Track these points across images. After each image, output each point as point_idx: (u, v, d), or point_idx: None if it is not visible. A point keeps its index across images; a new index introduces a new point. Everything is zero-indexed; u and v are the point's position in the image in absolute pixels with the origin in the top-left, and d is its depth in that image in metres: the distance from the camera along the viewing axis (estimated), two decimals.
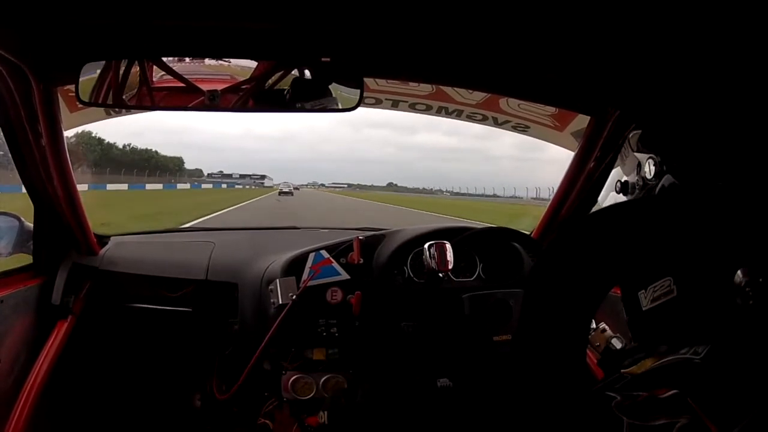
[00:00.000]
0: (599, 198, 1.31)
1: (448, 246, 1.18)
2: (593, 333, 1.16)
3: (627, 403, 0.48)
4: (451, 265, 1.19)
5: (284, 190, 36.83)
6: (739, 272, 0.47)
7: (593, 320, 1.21)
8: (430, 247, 1.20)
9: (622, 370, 0.58)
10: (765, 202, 0.49)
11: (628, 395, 0.49)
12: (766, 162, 0.55)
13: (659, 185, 0.64)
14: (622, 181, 0.73)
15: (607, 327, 1.16)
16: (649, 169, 0.65)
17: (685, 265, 0.51)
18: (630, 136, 0.79)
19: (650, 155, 0.66)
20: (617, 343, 1.13)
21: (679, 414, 0.46)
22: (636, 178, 0.69)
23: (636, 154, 0.72)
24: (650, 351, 0.57)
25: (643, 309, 0.55)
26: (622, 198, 0.74)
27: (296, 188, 44.13)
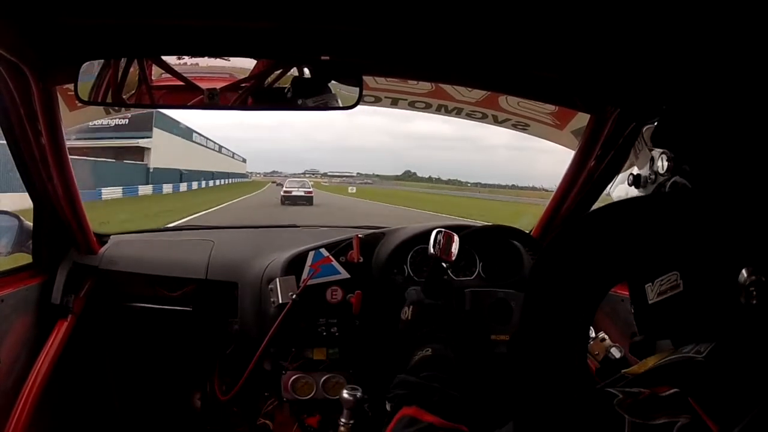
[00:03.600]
0: (610, 191, 1.31)
1: (456, 238, 1.17)
2: (593, 342, 1.15)
3: (629, 401, 0.48)
4: (455, 256, 1.18)
5: (293, 193, 19.89)
6: (743, 271, 0.47)
7: (593, 329, 1.21)
8: (438, 233, 1.19)
9: (623, 371, 0.58)
10: None
11: (630, 393, 0.49)
12: None
13: (671, 181, 0.65)
14: (635, 174, 0.74)
15: (606, 336, 1.15)
16: (662, 164, 0.66)
17: (692, 261, 0.52)
18: (644, 130, 0.80)
19: (663, 150, 0.66)
20: (616, 353, 1.13)
21: (679, 413, 0.46)
22: (648, 171, 0.70)
23: (649, 148, 0.73)
24: (652, 350, 0.57)
25: (650, 302, 0.55)
26: (633, 190, 0.74)
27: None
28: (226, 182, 45.18)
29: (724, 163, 0.57)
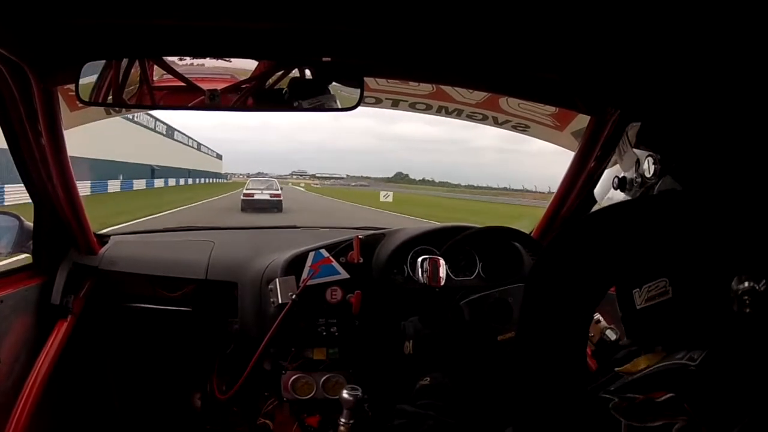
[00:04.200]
0: (595, 193, 1.31)
1: (442, 261, 1.17)
2: None
3: (624, 405, 0.48)
4: (443, 281, 1.18)
5: (256, 197, 15.86)
6: (736, 279, 0.47)
7: None
8: (423, 261, 1.19)
9: (616, 369, 0.58)
10: (764, 208, 0.49)
11: (625, 398, 0.49)
12: (765, 167, 0.55)
13: (659, 184, 0.64)
14: (620, 177, 0.73)
15: (601, 318, 1.15)
16: (648, 167, 0.65)
17: (681, 268, 0.51)
18: (628, 130, 0.79)
19: (649, 153, 0.66)
20: (611, 335, 1.12)
21: (677, 415, 0.46)
22: (634, 174, 0.69)
23: (634, 150, 0.72)
24: (645, 348, 0.57)
25: (637, 307, 0.55)
26: (620, 194, 0.73)
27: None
28: (185, 183, 34.60)
29: (715, 169, 0.57)
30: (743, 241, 0.48)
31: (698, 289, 0.50)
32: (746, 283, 0.47)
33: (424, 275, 1.15)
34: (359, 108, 1.04)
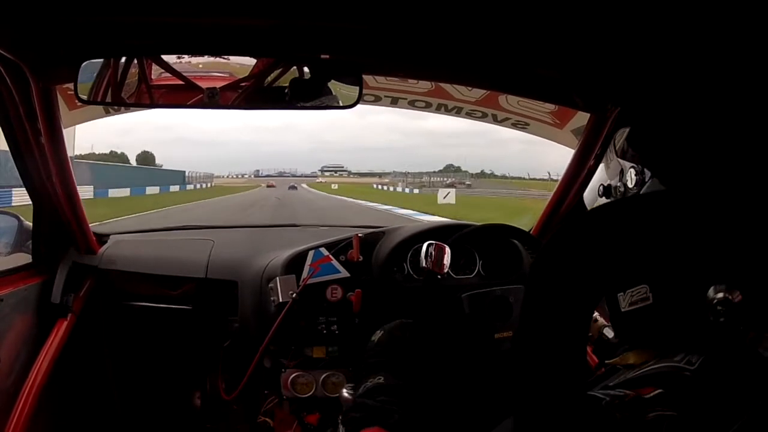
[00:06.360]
0: (584, 198, 1.31)
1: (448, 249, 1.17)
2: None
3: (617, 402, 0.48)
4: (447, 268, 1.18)
5: None
6: (712, 288, 0.48)
7: None
8: (429, 246, 1.19)
9: (606, 361, 0.59)
10: (744, 221, 0.49)
11: (615, 396, 0.49)
12: (755, 174, 0.55)
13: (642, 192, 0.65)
14: (605, 184, 0.73)
15: (598, 317, 1.15)
16: (630, 178, 0.66)
17: (661, 275, 0.52)
18: (615, 137, 0.79)
19: (632, 164, 0.66)
20: (609, 333, 1.13)
21: (665, 410, 0.46)
22: (618, 183, 0.70)
23: (619, 160, 0.73)
24: (636, 345, 0.58)
25: (622, 310, 0.57)
26: (605, 201, 0.74)
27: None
28: None
29: (701, 174, 0.58)
30: (722, 251, 0.48)
31: (676, 296, 0.51)
32: (721, 294, 0.47)
33: (428, 260, 1.15)
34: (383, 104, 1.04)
